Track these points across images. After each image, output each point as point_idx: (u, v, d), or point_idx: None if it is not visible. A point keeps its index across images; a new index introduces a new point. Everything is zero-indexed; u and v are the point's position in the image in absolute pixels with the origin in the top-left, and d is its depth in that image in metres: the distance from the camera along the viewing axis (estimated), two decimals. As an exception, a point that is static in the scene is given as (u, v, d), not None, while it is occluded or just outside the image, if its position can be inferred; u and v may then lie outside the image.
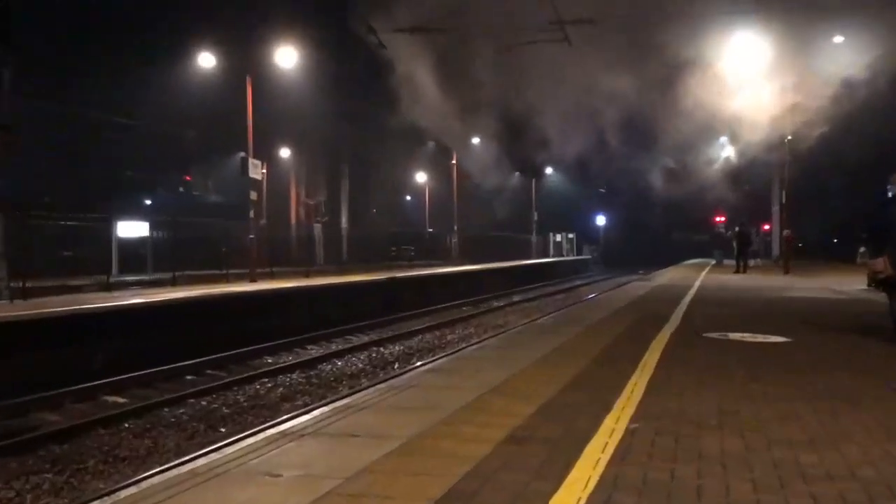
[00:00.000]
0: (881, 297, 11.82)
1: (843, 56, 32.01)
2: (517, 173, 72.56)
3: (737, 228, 37.31)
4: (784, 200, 36.03)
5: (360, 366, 18.07)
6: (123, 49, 45.50)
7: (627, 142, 53.27)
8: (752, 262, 41.57)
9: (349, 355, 19.30)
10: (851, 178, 53.15)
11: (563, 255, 74.09)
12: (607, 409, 6.51)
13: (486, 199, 67.09)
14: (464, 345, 19.59)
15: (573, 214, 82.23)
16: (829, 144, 39.08)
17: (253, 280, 26.87)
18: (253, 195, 28.29)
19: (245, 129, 28.02)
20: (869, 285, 11.80)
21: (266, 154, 40.70)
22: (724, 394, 7.24)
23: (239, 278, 27.35)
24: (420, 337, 22.96)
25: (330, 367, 17.83)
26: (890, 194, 10.71)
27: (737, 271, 33.99)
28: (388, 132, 55.31)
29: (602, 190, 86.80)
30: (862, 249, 11.04)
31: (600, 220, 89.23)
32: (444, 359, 11.15)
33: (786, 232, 35.67)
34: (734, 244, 36.78)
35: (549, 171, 77.65)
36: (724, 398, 7.02)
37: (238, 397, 14.43)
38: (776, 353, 10.02)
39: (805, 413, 6.41)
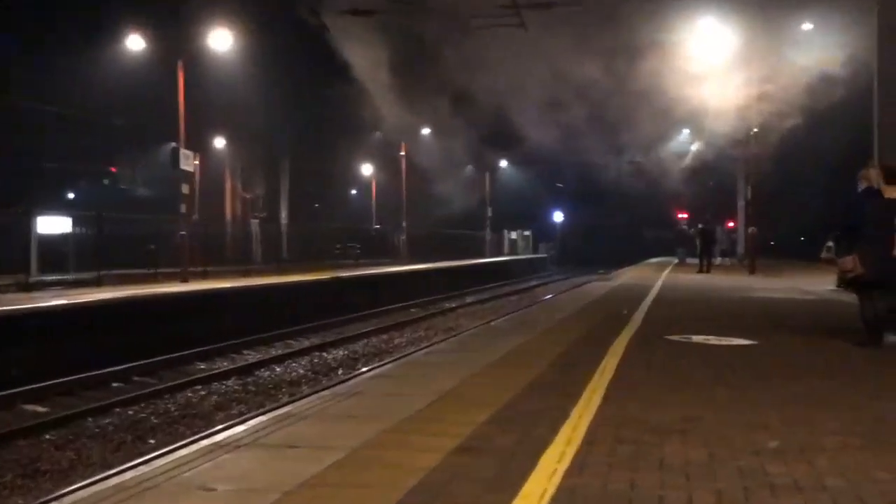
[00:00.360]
0: (851, 297, 12.01)
1: (815, 44, 32.42)
2: (470, 167, 72.73)
3: (700, 226, 37.60)
4: (750, 196, 36.48)
5: (301, 372, 18.00)
6: (43, 30, 44.80)
7: (586, 134, 53.58)
8: (718, 261, 42.08)
9: (289, 360, 19.20)
10: (825, 173, 54.04)
11: (518, 254, 74.42)
12: (565, 416, 6.53)
13: (437, 194, 67.13)
14: (413, 349, 19.57)
15: (529, 211, 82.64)
16: (802, 138, 39.65)
17: (185, 280, 26.60)
18: (185, 189, 28.00)
19: (176, 118, 27.73)
20: (839, 286, 11.94)
21: (199, 145, 40.30)
22: (688, 400, 7.31)
23: (170, 278, 27.04)
24: (366, 341, 22.92)
25: (268, 373, 17.73)
26: (860, 190, 10.83)
27: (700, 270, 34.34)
28: (333, 121, 55.12)
29: (559, 185, 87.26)
30: (829, 244, 11.02)
31: (558, 217, 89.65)
32: (392, 364, 11.14)
33: (751, 229, 36.02)
34: (697, 242, 37.15)
35: (503, 164, 77.95)
36: (687, 404, 7.09)
37: (169, 406, 14.28)
38: (742, 356, 10.15)
39: (773, 420, 6.48)
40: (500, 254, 70.95)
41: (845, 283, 11.17)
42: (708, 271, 34.17)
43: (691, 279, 29.74)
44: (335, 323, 25.94)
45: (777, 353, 10.50)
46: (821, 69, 32.66)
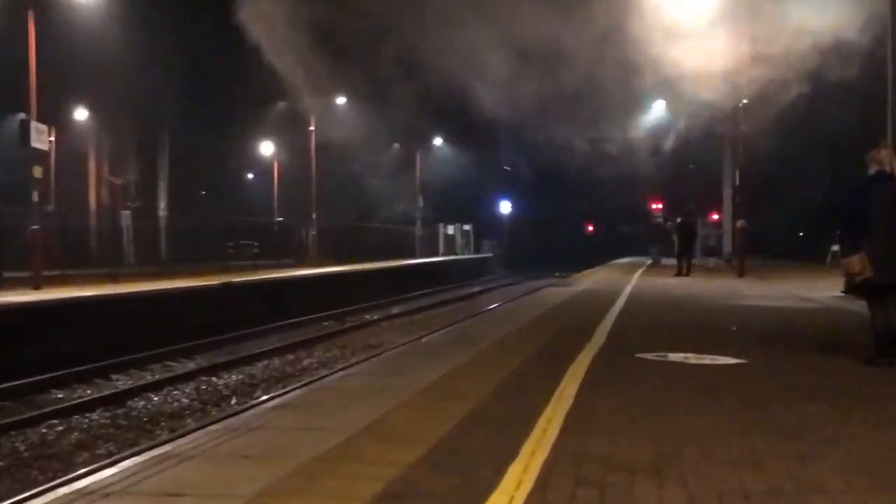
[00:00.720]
0: (859, 305, 12.20)
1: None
2: (397, 146, 72.64)
3: (679, 219, 37.62)
4: (738, 182, 36.82)
5: (186, 401, 17.84)
6: None
7: (541, 106, 53.75)
8: (697, 260, 42.42)
9: (170, 387, 19.01)
10: (831, 157, 54.72)
11: (457, 253, 74.52)
12: (513, 453, 6.55)
13: (356, 180, 66.91)
14: (325, 372, 19.51)
15: (470, 200, 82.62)
16: (804, 114, 40.00)
17: (37, 287, 26.20)
18: (37, 172, 27.57)
19: (26, 83, 27.30)
20: (845, 291, 12.10)
21: (56, 117, 39.76)
22: (664, 431, 7.37)
23: (18, 284, 26.63)
24: (266, 362, 22.80)
25: (143, 403, 17.54)
26: (869, 174, 10.96)
27: (679, 273, 34.58)
28: (224, 89, 54.66)
29: (507, 168, 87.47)
30: (834, 248, 11.12)
31: (505, 208, 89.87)
32: (300, 391, 11.08)
33: (739, 223, 36.13)
34: (675, 238, 37.31)
35: (438, 142, 77.89)
36: (663, 436, 7.15)
37: (17, 445, 14.06)
38: (729, 378, 10.27)
39: (765, 455, 6.56)
40: (435, 253, 71.00)
41: (853, 288, 11.29)
42: (687, 274, 34.40)
43: (668, 284, 30.03)
44: (228, 340, 25.74)
45: (770, 373, 10.64)
46: (831, 32, 32.90)
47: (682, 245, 36.19)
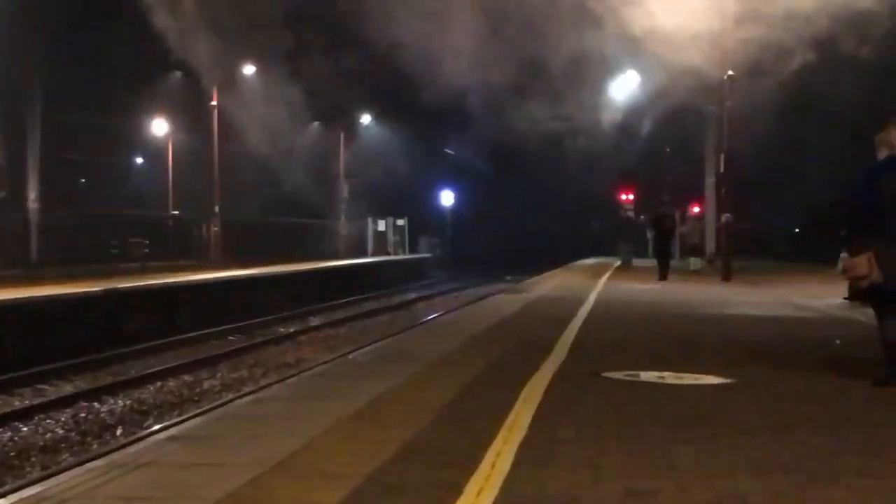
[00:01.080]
0: (866, 315, 12.29)
1: None
2: (317, 124, 72.34)
3: (660, 213, 37.40)
4: (723, 169, 36.91)
5: (62, 432, 17.68)
6: None
7: (491, 77, 53.72)
8: (695, 264, 42.53)
9: (42, 415, 18.83)
10: (835, 139, 55.06)
11: (389, 253, 74.43)
12: (455, 492, 6.56)
13: (268, 166, 66.48)
14: (231, 396, 19.46)
15: (406, 190, 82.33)
16: (807, 89, 40.17)
17: None
18: None
19: None
20: (850, 298, 12.16)
21: None
22: (636, 465, 7.41)
23: None
24: (160, 384, 22.66)
25: (10, 434, 17.37)
26: (879, 160, 11.00)
27: (663, 277, 34.58)
28: (107, 55, 54.16)
29: (449, 151, 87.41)
30: (843, 255, 10.96)
31: (447, 199, 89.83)
32: (200, 419, 11.03)
33: (724, 217, 36.09)
34: (650, 236, 37.29)
35: (366, 120, 77.66)
36: (635, 472, 7.18)
37: None
38: (712, 401, 10.33)
39: (755, 495, 6.61)
40: (363, 253, 70.87)
41: (859, 294, 11.35)
42: (663, 278, 34.51)
43: (641, 290, 30.15)
44: (112, 358, 25.53)
45: (761, 396, 10.71)
46: None
47: (660, 244, 36.25)
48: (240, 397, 15.73)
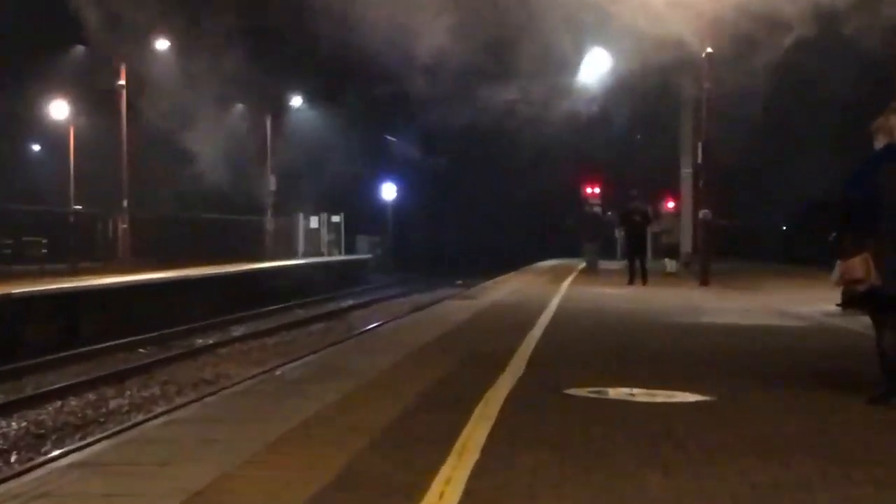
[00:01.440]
0: (862, 324, 12.33)
1: None
2: (241, 106, 72.13)
3: (631, 206, 37.19)
4: (701, 159, 36.99)
5: (-56, 460, 17.58)
6: None
7: (439, 55, 53.71)
8: (670, 266, 42.62)
9: (-79, 439, 18.75)
10: (829, 126, 55.39)
11: (323, 254, 74.35)
12: (398, 528, 6.54)
13: (185, 154, 66.22)
14: (140, 416, 19.40)
15: (342, 183, 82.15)
16: (795, 70, 40.31)
17: None
18: None
19: None
20: (843, 305, 12.17)
21: None
22: (603, 495, 7.41)
23: None
24: (59, 403, 22.53)
25: None
26: (877, 148, 11.02)
27: (631, 282, 34.60)
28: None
29: (390, 138, 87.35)
30: (839, 262, 10.87)
31: (388, 193, 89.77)
32: (106, 443, 10.95)
33: (702, 213, 36.15)
34: (619, 234, 37.23)
35: (297, 103, 77.52)
36: (602, 503, 7.17)
37: None
38: (689, 421, 10.34)
39: (737, 526, 6.62)
40: (293, 254, 70.74)
41: (854, 300, 11.38)
42: (643, 283, 34.41)
43: (608, 296, 30.21)
44: (5, 374, 25.38)
45: (745, 416, 10.75)
46: None
47: (634, 243, 36.22)
48: (151, 419, 15.65)
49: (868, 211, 10.67)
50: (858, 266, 10.68)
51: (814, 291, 27.66)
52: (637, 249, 36.11)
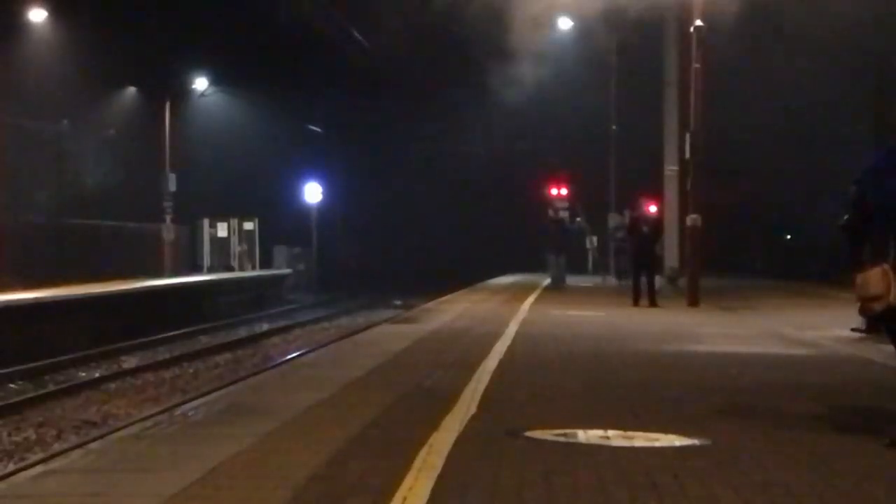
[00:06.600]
0: (883, 350, 12.35)
1: None
2: (134, 90, 72.04)
3: (627, 212, 37.11)
4: (689, 155, 37.03)
5: None
6: None
7: (370, 27, 53.86)
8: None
9: None
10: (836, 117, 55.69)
11: (233, 268, 74.30)
12: None
13: (64, 147, 66.06)
14: (11, 468, 19.17)
15: (255, 182, 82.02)
16: (803, 48, 40.51)
17: None
18: None
19: None
20: (863, 329, 12.21)
21: None
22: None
23: None
24: None
25: None
26: (893, 144, 11.07)
27: (635, 302, 34.59)
28: None
29: (314, 128, 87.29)
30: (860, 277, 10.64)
31: (313, 195, 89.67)
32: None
33: (691, 219, 36.19)
34: (590, 245, 37.24)
35: (202, 85, 77.41)
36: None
37: None
38: (675, 471, 10.31)
39: None
40: (196, 268, 70.65)
41: (872, 318, 11.35)
42: (653, 303, 34.36)
43: (578, 319, 30.26)
44: None
45: (741, 463, 10.72)
46: None
47: (640, 257, 36.16)
48: (24, 469, 15.55)
49: (885, 215, 10.62)
50: (877, 280, 10.59)
51: (823, 313, 27.79)
52: (643, 264, 36.01)
